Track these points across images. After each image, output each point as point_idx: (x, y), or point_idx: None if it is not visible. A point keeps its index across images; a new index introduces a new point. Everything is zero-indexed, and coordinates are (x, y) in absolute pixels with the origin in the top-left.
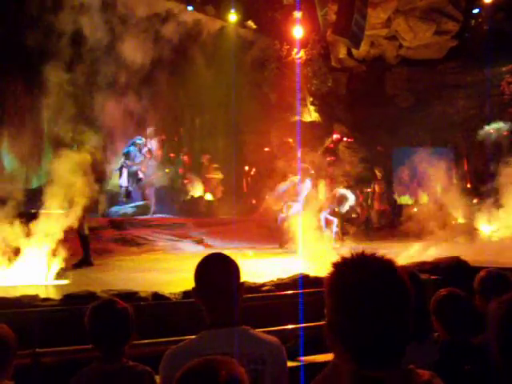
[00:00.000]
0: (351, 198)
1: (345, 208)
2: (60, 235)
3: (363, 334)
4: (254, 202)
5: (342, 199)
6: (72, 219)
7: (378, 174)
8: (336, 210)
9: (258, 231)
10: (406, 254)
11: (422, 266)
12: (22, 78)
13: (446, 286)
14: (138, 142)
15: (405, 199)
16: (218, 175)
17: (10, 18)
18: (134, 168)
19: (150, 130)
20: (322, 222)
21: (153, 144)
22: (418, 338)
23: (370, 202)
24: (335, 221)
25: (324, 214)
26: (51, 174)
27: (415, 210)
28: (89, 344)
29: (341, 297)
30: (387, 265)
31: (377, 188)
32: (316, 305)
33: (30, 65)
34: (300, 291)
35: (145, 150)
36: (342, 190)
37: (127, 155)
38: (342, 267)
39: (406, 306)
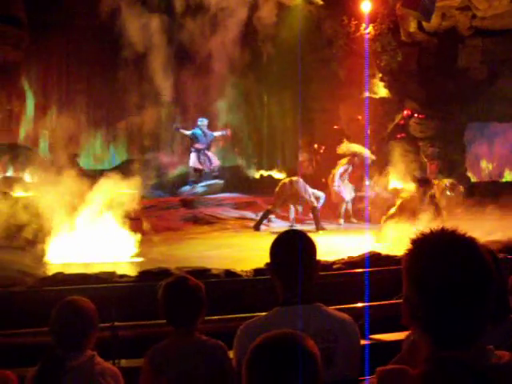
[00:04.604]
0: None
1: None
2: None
3: (442, 313)
4: (323, 180)
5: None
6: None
7: None
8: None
9: (325, 209)
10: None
11: (497, 245)
12: None
13: None
14: (200, 123)
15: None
16: None
17: None
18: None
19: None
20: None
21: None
22: (494, 319)
23: None
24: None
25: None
26: None
27: None
28: (162, 319)
29: (419, 274)
30: (468, 241)
31: None
32: (388, 283)
33: None
34: (366, 270)
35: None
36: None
37: (193, 137)
38: (421, 244)
39: (488, 284)
